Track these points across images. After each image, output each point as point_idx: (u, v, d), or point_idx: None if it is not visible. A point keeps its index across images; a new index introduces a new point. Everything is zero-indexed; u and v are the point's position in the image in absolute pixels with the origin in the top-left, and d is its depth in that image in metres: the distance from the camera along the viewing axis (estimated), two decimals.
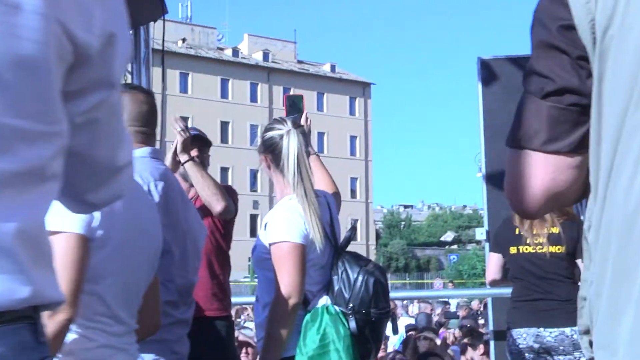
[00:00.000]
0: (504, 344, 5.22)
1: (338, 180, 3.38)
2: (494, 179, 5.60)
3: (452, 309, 15.05)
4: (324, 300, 2.89)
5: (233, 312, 9.46)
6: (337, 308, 2.86)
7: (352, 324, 2.83)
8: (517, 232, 4.17)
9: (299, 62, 61.39)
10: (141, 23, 5.08)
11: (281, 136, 2.90)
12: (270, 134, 2.94)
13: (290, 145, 2.88)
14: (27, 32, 0.99)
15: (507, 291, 5.24)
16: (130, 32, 5.30)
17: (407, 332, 9.37)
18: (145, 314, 2.13)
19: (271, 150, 2.93)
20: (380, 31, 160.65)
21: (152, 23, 5.31)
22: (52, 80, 1.04)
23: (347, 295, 2.86)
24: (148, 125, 2.65)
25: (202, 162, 3.99)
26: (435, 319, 13.20)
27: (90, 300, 1.89)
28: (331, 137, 56.10)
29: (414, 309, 16.35)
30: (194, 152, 3.93)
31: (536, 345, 4.02)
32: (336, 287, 2.88)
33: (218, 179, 3.89)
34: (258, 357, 2.95)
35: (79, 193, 1.22)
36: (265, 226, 2.90)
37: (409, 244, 64.13)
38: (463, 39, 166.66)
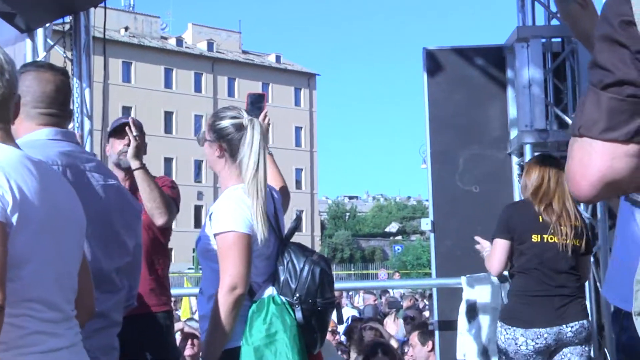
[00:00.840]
0: (449, 334, 5.28)
1: (283, 171, 3.38)
2: (439, 170, 5.62)
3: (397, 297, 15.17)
4: (270, 290, 2.87)
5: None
6: (283, 298, 2.85)
7: (299, 314, 2.83)
8: (540, 219, 3.97)
9: (244, 52, 61.02)
10: (80, 8, 4.96)
11: (237, 125, 2.87)
12: (226, 122, 2.90)
13: (255, 136, 2.85)
14: None
15: (452, 281, 5.29)
16: (70, 18, 5.17)
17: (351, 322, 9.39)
18: (77, 299, 2.06)
19: (228, 140, 2.89)
20: (326, 22, 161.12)
21: (92, 10, 5.19)
22: None
23: (293, 286, 2.85)
24: (54, 107, 2.50)
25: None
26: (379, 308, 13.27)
27: (15, 287, 1.81)
28: (276, 128, 55.97)
29: (359, 299, 16.43)
30: (124, 141, 3.84)
31: (554, 343, 3.90)
32: (282, 278, 2.87)
33: (162, 170, 3.82)
34: None
35: None
36: (210, 216, 2.87)
37: (354, 234, 64.40)
38: (408, 29, 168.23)
